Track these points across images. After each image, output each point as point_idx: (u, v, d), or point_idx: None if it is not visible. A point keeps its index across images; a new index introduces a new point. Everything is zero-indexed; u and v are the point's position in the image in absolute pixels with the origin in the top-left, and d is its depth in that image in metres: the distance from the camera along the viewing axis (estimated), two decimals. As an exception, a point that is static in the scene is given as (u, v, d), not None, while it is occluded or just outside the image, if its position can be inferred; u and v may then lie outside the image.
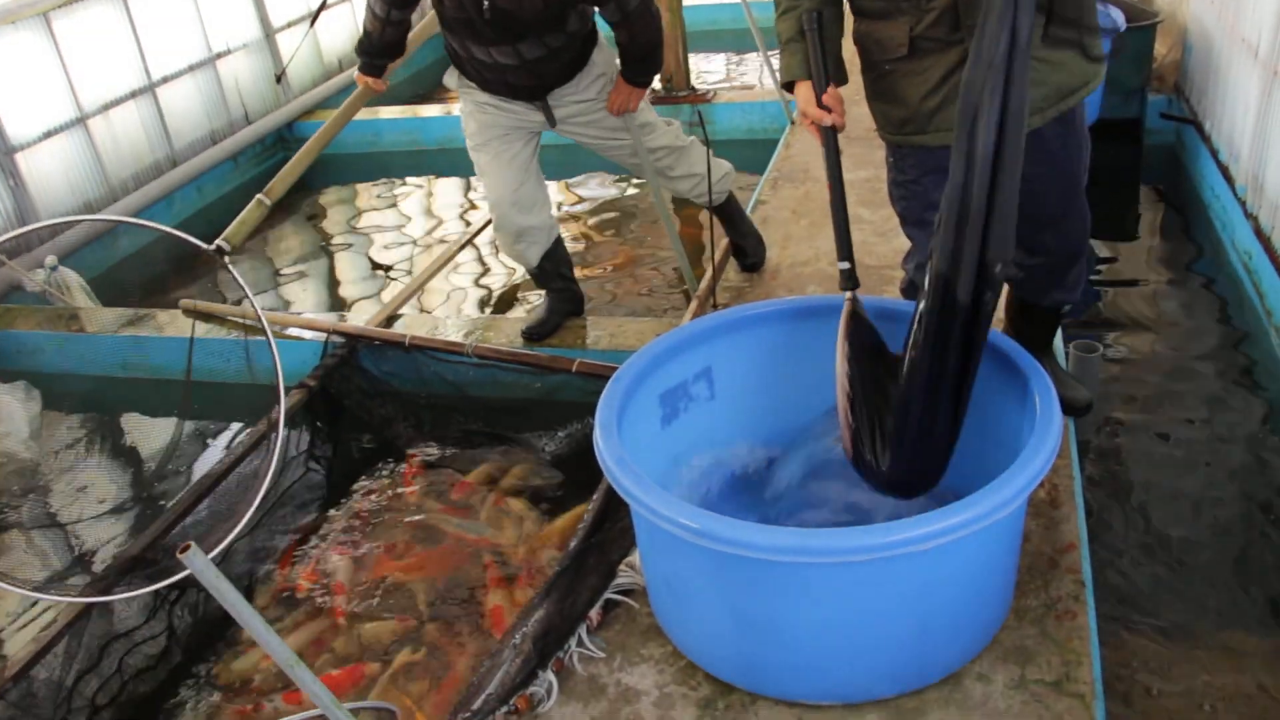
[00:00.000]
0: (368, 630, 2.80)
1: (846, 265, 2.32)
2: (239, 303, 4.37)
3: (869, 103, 2.47)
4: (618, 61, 3.38)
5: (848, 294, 2.30)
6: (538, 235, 3.60)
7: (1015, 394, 2.21)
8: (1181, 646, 2.58)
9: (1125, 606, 2.70)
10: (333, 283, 5.39)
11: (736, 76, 8.07)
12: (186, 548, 1.59)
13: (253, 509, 2.74)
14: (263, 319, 3.17)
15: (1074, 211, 2.47)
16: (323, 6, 7.38)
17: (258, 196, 3.35)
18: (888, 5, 2.24)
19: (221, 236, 3.17)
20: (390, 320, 3.92)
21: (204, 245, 3.03)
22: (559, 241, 3.73)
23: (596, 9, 3.18)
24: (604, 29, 3.34)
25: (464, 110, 3.49)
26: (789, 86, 2.39)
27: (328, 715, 1.75)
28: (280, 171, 3.51)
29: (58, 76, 5.31)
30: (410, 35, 3.52)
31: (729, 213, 3.87)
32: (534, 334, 3.72)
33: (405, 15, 3.38)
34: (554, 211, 3.71)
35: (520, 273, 4.90)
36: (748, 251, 3.95)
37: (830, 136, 2.30)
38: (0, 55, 4.96)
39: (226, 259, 3.16)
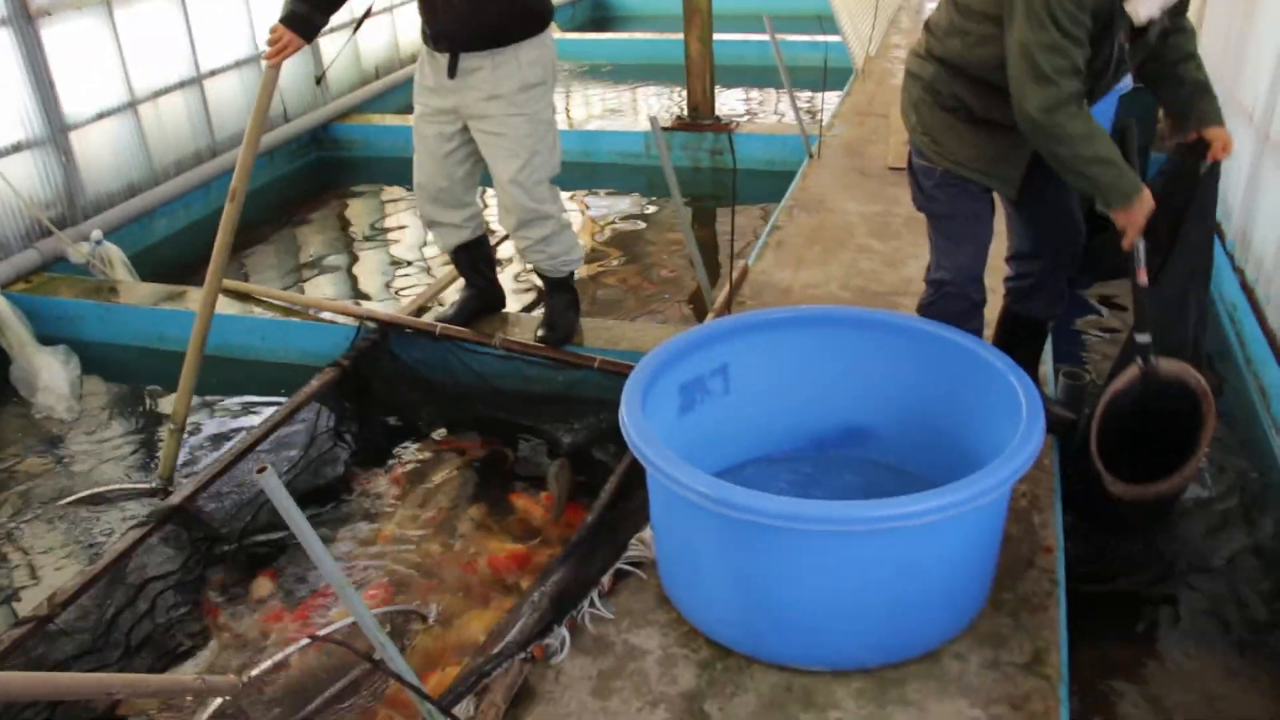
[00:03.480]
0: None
1: (1146, 338, 2.60)
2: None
3: (942, 133, 2.67)
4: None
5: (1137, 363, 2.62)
6: (451, 231, 3.75)
7: (1006, 401, 2.42)
8: (1144, 650, 2.78)
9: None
10: (356, 277, 5.60)
11: (758, 111, 8.36)
12: (263, 469, 1.82)
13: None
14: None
15: (1077, 229, 2.86)
16: (367, 14, 7.61)
17: (169, 427, 3.53)
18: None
19: (157, 475, 3.60)
20: (421, 311, 4.14)
21: (146, 488, 3.58)
22: (481, 241, 3.82)
23: None
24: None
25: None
26: (1119, 199, 2.44)
27: (362, 624, 1.97)
28: (178, 389, 3.50)
29: (114, 62, 5.55)
30: None
31: (565, 286, 3.84)
32: (445, 321, 3.86)
33: None
34: (482, 209, 3.76)
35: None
36: (556, 325, 3.79)
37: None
38: (63, 38, 5.19)
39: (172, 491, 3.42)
